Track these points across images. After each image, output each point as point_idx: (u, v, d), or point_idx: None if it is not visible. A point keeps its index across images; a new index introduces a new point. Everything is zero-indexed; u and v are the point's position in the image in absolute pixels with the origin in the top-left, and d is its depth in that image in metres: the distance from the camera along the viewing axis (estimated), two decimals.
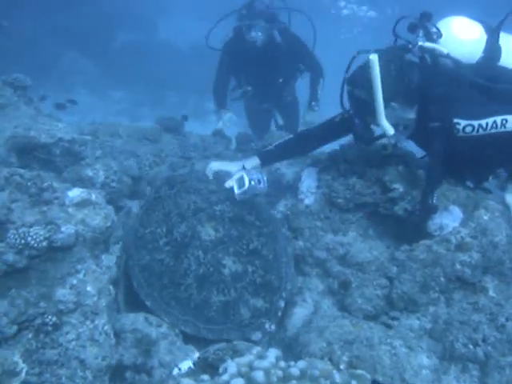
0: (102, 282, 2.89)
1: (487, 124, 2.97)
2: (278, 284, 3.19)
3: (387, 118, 3.03)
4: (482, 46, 3.17)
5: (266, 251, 3.27)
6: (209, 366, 2.40)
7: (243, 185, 3.37)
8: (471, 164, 3.32)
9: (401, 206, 3.29)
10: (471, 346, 2.74)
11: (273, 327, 3.05)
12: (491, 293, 2.98)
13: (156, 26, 17.90)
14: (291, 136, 3.77)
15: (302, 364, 2.27)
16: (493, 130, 2.99)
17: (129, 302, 3.18)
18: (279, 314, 3.13)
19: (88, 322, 2.70)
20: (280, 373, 2.17)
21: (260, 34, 5.64)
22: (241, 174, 3.41)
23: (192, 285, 3.07)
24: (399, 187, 3.32)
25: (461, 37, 3.16)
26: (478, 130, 3.00)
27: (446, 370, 2.76)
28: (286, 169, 4.28)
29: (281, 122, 6.70)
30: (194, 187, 3.48)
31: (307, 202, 3.61)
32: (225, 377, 2.11)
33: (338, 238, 3.47)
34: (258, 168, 3.64)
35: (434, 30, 3.12)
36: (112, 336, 2.73)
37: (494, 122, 2.97)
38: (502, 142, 3.05)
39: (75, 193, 3.02)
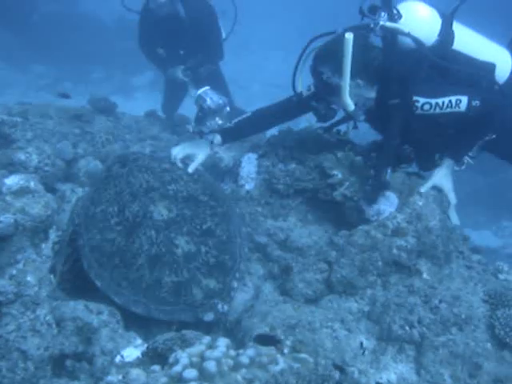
0: (43, 272, 2.82)
1: (443, 103, 3.11)
2: (232, 264, 3.17)
3: (350, 95, 3.13)
4: (438, 28, 3.29)
5: (219, 231, 3.24)
6: (158, 356, 2.38)
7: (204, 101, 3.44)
8: (421, 144, 3.43)
9: (339, 191, 3.36)
10: (407, 328, 2.86)
11: (225, 307, 3.03)
12: (425, 275, 3.12)
13: None
14: (249, 114, 3.75)
15: (250, 352, 2.31)
16: (448, 110, 3.13)
17: (76, 286, 3.10)
18: (232, 294, 3.12)
19: (29, 313, 2.63)
20: (231, 362, 2.20)
21: (163, 3, 5.66)
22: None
23: (144, 265, 3.01)
24: (338, 173, 3.39)
25: (419, 18, 3.27)
26: (435, 108, 3.13)
27: (383, 351, 2.88)
28: (223, 153, 4.28)
29: (192, 93, 6.52)
30: (146, 166, 3.40)
31: (247, 187, 3.63)
32: (177, 368, 2.11)
33: (279, 224, 3.51)
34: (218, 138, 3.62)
35: (395, 11, 3.21)
36: (54, 326, 2.67)
37: (450, 101, 3.11)
38: (453, 122, 3.23)
39: (13, 180, 2.91)
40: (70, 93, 6.48)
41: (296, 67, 3.52)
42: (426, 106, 3.14)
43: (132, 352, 2.71)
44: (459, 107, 3.12)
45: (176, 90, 6.73)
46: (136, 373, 2.28)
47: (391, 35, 3.19)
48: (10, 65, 13.18)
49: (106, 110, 5.05)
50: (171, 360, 2.22)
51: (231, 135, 3.71)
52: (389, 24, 3.16)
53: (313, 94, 3.48)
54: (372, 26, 3.17)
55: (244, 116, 3.72)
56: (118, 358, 2.69)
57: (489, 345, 2.81)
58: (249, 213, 3.56)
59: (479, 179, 9.63)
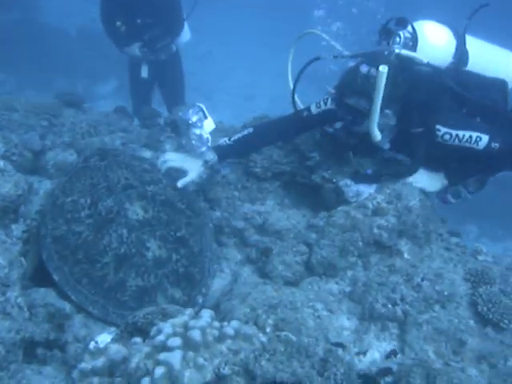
0: (13, 253, 2.69)
1: (464, 136, 3.08)
2: (200, 278, 3.07)
3: (377, 125, 3.06)
4: (453, 50, 3.28)
5: (192, 242, 3.13)
6: (138, 331, 2.27)
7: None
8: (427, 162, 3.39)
9: (318, 173, 3.32)
10: (390, 306, 2.82)
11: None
12: (406, 255, 3.09)
13: (39, 7, 16.90)
14: (250, 130, 3.50)
15: (235, 324, 2.24)
16: (466, 144, 3.10)
17: (37, 278, 2.94)
18: (196, 309, 2.90)
19: None
20: (216, 332, 2.12)
21: None
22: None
23: (109, 264, 2.87)
24: (316, 156, 3.35)
25: (434, 43, 3.25)
26: (454, 140, 3.10)
27: (366, 330, 2.82)
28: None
29: (145, 74, 6.39)
30: (126, 162, 3.27)
31: (223, 172, 3.55)
32: (160, 337, 2.01)
33: (256, 207, 3.46)
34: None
35: (410, 36, 3.15)
36: (25, 309, 2.55)
37: (470, 136, 3.08)
38: (465, 155, 3.19)
39: None
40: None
41: (294, 85, 3.42)
42: (446, 136, 3.10)
43: (107, 338, 2.58)
44: (477, 145, 3.09)
45: (141, 87, 6.67)
46: (116, 347, 2.17)
47: (408, 63, 3.12)
48: None
49: (73, 103, 4.91)
50: (153, 332, 2.12)
51: (229, 153, 3.50)
52: (405, 52, 3.10)
53: (327, 119, 3.36)
54: (386, 53, 3.09)
55: (244, 133, 3.49)
56: (92, 345, 2.55)
57: (472, 322, 2.78)
58: (225, 197, 3.49)
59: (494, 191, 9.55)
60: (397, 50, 3.07)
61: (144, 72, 6.32)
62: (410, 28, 3.20)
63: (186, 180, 3.31)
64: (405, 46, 3.11)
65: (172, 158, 3.40)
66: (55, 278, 2.83)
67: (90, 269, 2.86)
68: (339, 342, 2.65)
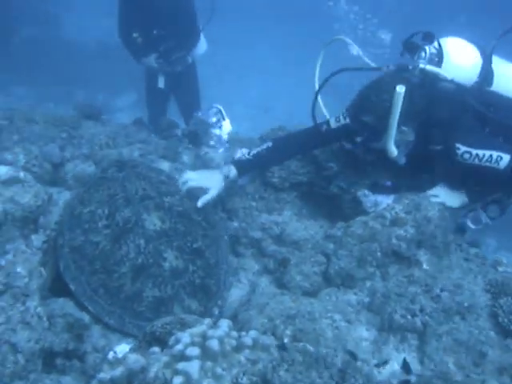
0: (33, 264, 2.71)
1: (484, 155, 3.03)
2: (216, 290, 3.06)
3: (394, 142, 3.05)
4: (478, 70, 3.24)
5: (208, 254, 3.12)
6: (156, 341, 2.27)
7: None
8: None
9: (335, 184, 3.31)
10: (409, 317, 2.79)
11: None
12: (425, 266, 3.06)
13: (60, 22, 17.19)
14: (269, 144, 3.46)
15: (253, 333, 2.23)
16: (486, 164, 3.05)
17: (55, 288, 2.96)
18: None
19: (19, 305, 2.54)
20: (234, 342, 2.11)
21: None
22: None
23: (127, 274, 2.87)
24: (333, 166, 3.35)
25: (460, 61, 3.20)
26: (474, 159, 3.05)
27: (385, 341, 2.79)
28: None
29: (161, 85, 6.42)
30: (144, 174, 3.28)
31: (241, 182, 3.56)
32: (178, 346, 2.01)
33: (273, 218, 3.45)
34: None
35: (436, 52, 3.13)
36: (45, 319, 2.57)
37: (491, 155, 3.03)
38: (489, 177, 3.14)
39: (2, 170, 2.84)
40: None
41: (315, 98, 3.43)
42: (466, 155, 3.06)
43: (125, 348, 2.60)
44: (498, 164, 3.04)
45: (157, 97, 6.72)
46: (134, 357, 2.17)
47: (431, 79, 3.10)
48: None
49: (92, 115, 4.95)
50: (171, 342, 2.12)
51: (249, 167, 3.46)
52: (429, 67, 3.08)
53: (345, 134, 3.33)
54: (411, 68, 3.09)
55: (263, 147, 3.45)
56: (110, 355, 2.56)
57: (492, 333, 2.74)
58: (243, 208, 3.49)
59: None
60: (421, 65, 3.05)
61: (161, 83, 6.37)
62: (436, 44, 3.18)
63: (207, 198, 3.27)
64: (430, 62, 3.09)
65: (192, 178, 3.35)
66: (72, 287, 2.84)
67: (106, 279, 2.86)
68: (352, 351, 2.61)
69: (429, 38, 3.18)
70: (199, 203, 3.25)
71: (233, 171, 3.36)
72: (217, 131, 3.52)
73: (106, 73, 13.33)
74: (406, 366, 2.61)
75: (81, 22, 17.11)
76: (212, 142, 3.52)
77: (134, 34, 5.98)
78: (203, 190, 3.30)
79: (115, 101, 13.63)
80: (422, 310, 2.79)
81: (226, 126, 3.56)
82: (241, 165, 3.40)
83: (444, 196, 3.32)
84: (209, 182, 3.32)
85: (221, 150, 3.37)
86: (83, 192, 3.17)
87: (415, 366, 2.67)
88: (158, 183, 3.28)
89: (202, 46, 6.59)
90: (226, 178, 3.34)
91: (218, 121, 3.51)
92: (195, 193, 3.30)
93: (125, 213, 3.02)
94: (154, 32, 5.97)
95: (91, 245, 2.92)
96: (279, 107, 14.01)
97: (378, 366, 2.67)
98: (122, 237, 2.95)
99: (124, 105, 13.73)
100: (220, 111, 3.57)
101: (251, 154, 3.43)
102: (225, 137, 3.46)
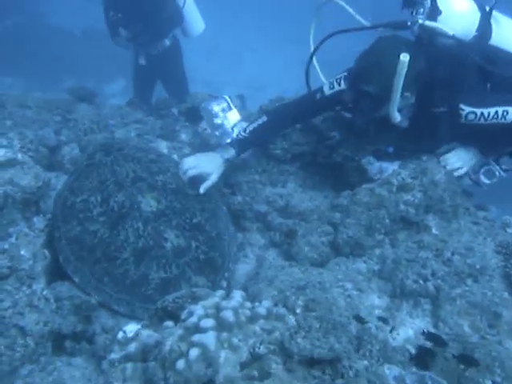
0: (36, 246, 2.67)
1: (489, 113, 2.94)
2: (221, 262, 3.02)
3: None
4: (477, 23, 3.15)
5: (209, 227, 3.08)
6: (168, 316, 2.22)
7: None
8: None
9: (339, 152, 3.26)
10: (421, 282, 2.75)
11: None
12: (434, 230, 3.02)
13: (43, 8, 16.93)
14: (264, 119, 3.36)
15: (266, 303, 2.19)
16: (493, 121, 2.96)
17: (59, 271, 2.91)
18: None
19: (25, 288, 2.51)
20: (248, 312, 2.07)
21: None
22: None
23: (129, 259, 2.81)
24: (336, 134, 3.29)
25: (458, 14, 3.10)
26: (479, 119, 2.96)
27: (398, 308, 2.75)
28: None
29: (142, 61, 6.34)
30: (132, 155, 3.20)
31: (243, 156, 3.49)
32: (192, 319, 1.96)
33: (278, 190, 3.40)
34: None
35: (433, 6, 3.01)
36: (52, 301, 2.52)
37: (496, 112, 2.93)
38: (498, 132, 3.04)
39: None
40: None
41: (309, 61, 3.38)
42: (471, 116, 2.96)
43: (135, 327, 2.55)
44: (505, 119, 2.95)
45: (140, 75, 6.69)
46: (147, 332, 2.13)
47: (431, 35, 3.00)
48: None
49: (86, 97, 4.87)
50: (184, 315, 2.07)
51: (247, 146, 3.40)
52: (428, 23, 2.98)
53: (342, 101, 3.21)
54: (410, 24, 2.99)
55: (258, 122, 3.36)
56: (120, 335, 2.52)
57: (506, 294, 2.70)
58: (246, 181, 3.44)
59: None
60: (420, 21, 2.96)
61: (141, 60, 6.31)
62: None
63: (208, 184, 3.22)
64: (428, 17, 3.01)
65: (191, 165, 3.24)
66: (76, 280, 2.78)
67: (110, 267, 2.81)
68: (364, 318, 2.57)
69: None
70: (201, 190, 3.19)
71: (231, 152, 3.30)
72: (218, 120, 3.46)
73: (93, 60, 13.22)
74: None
75: (64, 6, 16.90)
76: (217, 133, 3.46)
77: (122, 31, 5.96)
78: (203, 176, 3.24)
79: (103, 88, 13.48)
80: (433, 275, 2.75)
81: (233, 116, 3.48)
82: (238, 144, 3.34)
83: (455, 163, 3.25)
84: (209, 167, 3.25)
85: (228, 141, 3.32)
86: (72, 181, 3.08)
87: (430, 330, 2.64)
88: (147, 163, 3.21)
89: (199, 25, 6.48)
90: (226, 160, 3.29)
91: (223, 110, 3.44)
92: (196, 180, 3.24)
93: (118, 197, 2.96)
94: (119, 15, 5.89)
95: (89, 234, 2.85)
96: (272, 86, 13.93)
97: (391, 331, 2.64)
98: (119, 222, 2.89)
99: (113, 91, 13.61)
100: (226, 101, 3.51)
101: (247, 132, 3.35)
102: (229, 126, 3.41)
